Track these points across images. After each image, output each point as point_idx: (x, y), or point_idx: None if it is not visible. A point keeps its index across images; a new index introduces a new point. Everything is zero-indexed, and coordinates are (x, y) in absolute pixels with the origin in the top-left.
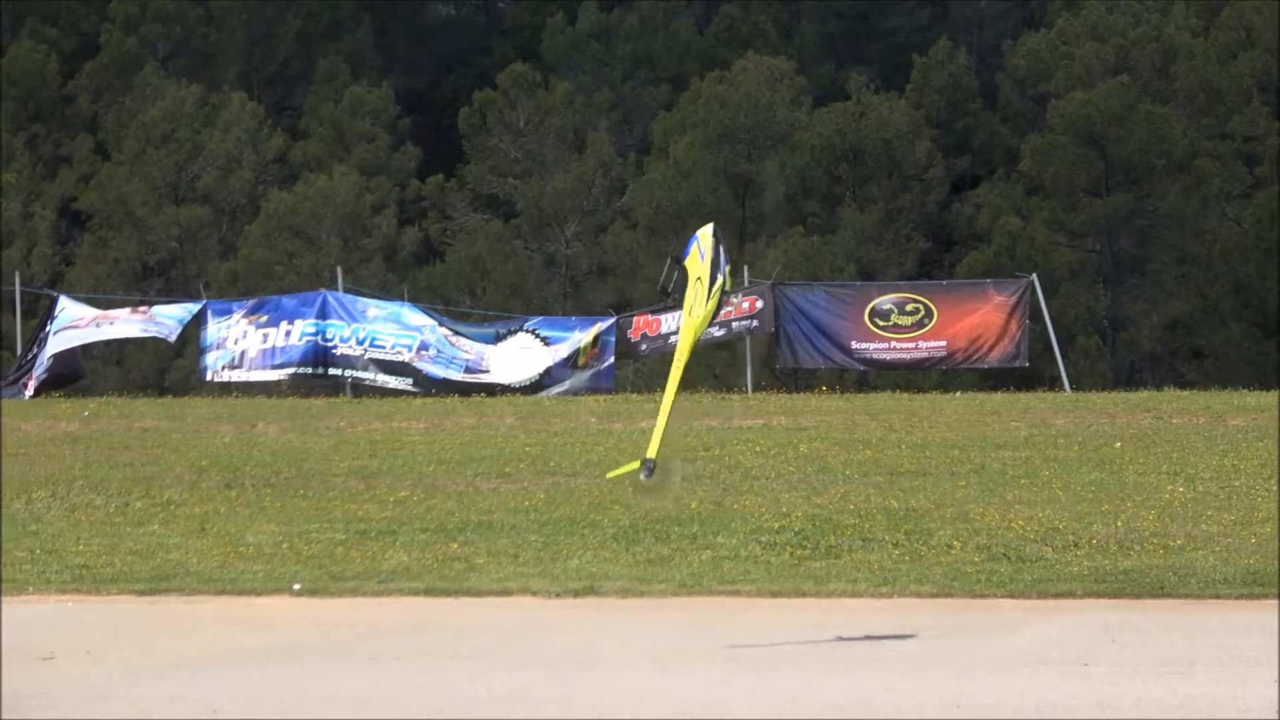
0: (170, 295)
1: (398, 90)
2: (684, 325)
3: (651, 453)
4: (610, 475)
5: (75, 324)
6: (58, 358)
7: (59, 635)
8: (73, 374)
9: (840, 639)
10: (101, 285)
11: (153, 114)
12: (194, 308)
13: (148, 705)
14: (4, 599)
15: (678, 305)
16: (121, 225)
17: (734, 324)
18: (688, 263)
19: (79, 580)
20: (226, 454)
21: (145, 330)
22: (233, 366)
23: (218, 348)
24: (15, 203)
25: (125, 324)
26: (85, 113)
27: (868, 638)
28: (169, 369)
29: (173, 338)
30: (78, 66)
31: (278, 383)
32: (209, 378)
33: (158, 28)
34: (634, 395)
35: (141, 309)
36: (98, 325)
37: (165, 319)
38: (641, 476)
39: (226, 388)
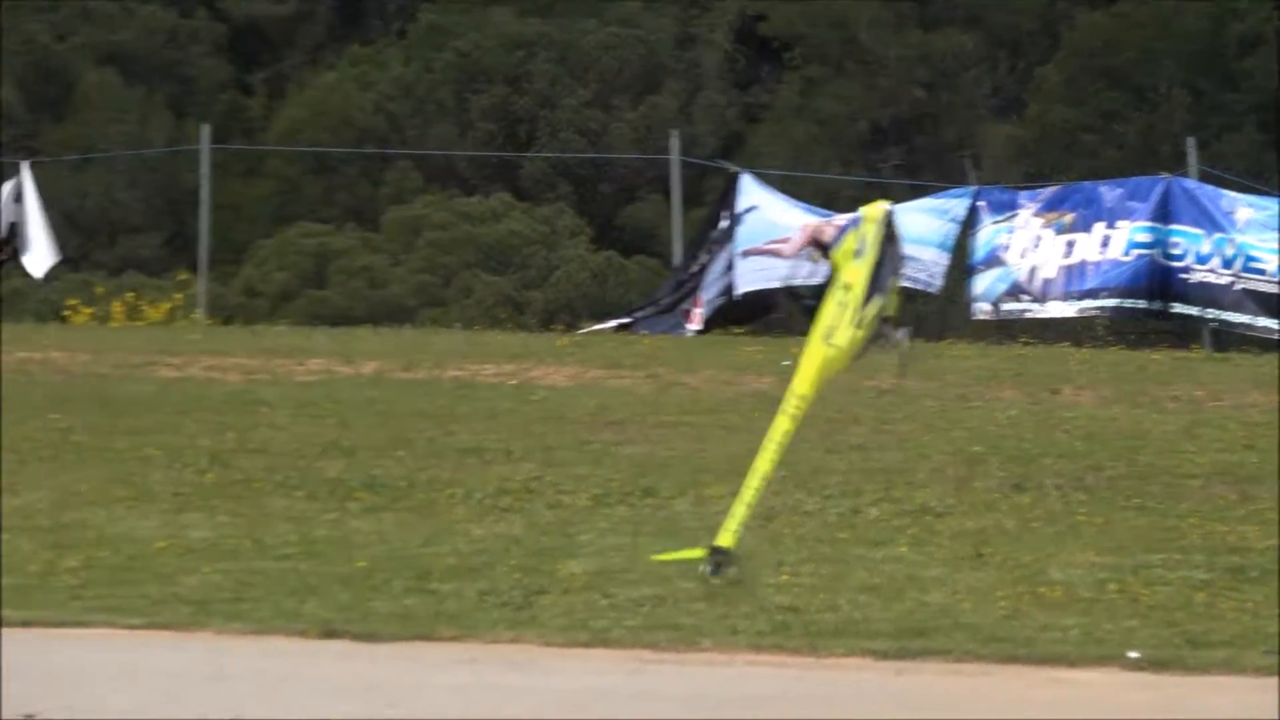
0: (912, 175)
1: None
2: (811, 353)
3: (726, 539)
4: (655, 558)
5: (769, 247)
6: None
7: (747, 709)
8: (770, 299)
9: None
10: (802, 157)
11: None
12: (955, 200)
13: None
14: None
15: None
16: (839, 60)
17: None
18: (837, 255)
19: (780, 632)
20: (1012, 435)
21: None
22: (1017, 295)
23: (995, 264)
24: (667, 19)
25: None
26: None
27: None
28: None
29: (935, 286)
30: None
31: (1089, 322)
32: (981, 312)
33: None
34: None
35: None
36: (812, 257)
37: (920, 248)
38: (703, 570)
39: (1005, 329)
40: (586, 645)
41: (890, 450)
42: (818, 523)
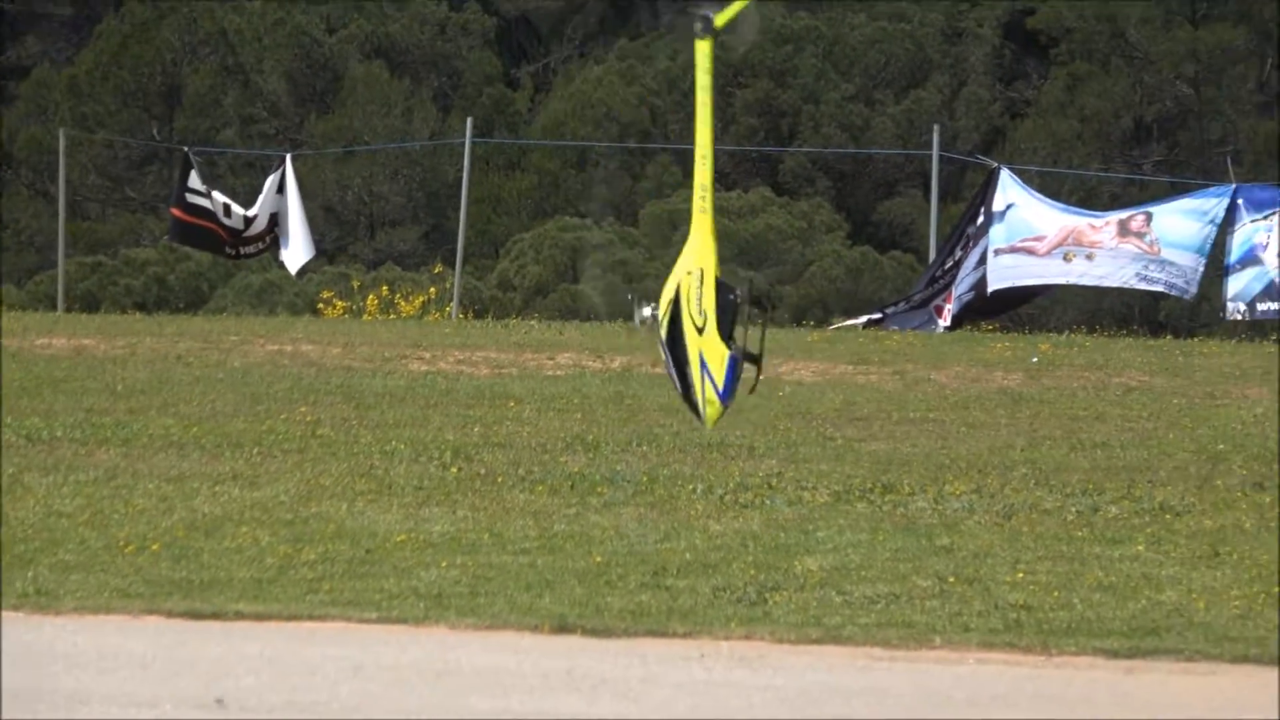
0: (1172, 172)
1: None
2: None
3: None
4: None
5: (1027, 245)
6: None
7: (976, 707)
8: (1020, 296)
9: None
10: (1064, 153)
11: None
12: (1214, 201)
13: None
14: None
15: None
16: (1106, 56)
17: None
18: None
19: (1012, 630)
20: (1257, 434)
21: (1144, 277)
22: (1274, 295)
23: (1251, 263)
24: (936, 14)
25: (1109, 259)
26: None
27: None
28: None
29: (1190, 292)
30: None
31: None
32: (1236, 314)
33: None
34: None
35: (1135, 225)
36: (1067, 258)
37: (1177, 252)
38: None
39: (1257, 326)
40: (818, 642)
41: (1133, 448)
42: (1056, 521)
